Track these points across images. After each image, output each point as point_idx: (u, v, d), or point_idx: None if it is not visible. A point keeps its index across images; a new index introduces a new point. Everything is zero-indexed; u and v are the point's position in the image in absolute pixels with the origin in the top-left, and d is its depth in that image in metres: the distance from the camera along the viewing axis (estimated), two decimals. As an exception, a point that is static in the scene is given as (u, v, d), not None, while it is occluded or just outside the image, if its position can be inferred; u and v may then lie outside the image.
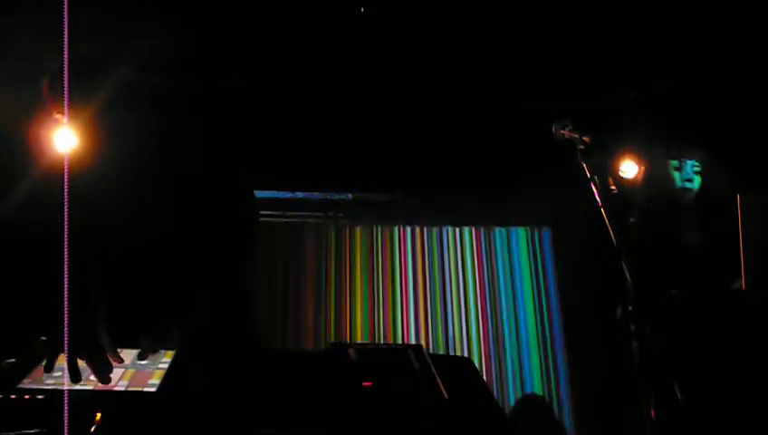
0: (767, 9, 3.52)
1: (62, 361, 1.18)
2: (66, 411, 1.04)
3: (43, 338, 1.30)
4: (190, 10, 3.57)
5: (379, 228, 5.51)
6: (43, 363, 1.19)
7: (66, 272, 1.29)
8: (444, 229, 5.58)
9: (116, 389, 1.13)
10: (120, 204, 1.66)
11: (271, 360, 1.26)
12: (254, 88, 4.16)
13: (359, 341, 5.02)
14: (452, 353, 5.18)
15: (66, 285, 1.28)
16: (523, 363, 5.34)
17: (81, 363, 1.18)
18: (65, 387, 1.11)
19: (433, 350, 5.21)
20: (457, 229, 5.59)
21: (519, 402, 4.84)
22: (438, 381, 1.15)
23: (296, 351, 4.74)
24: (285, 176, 5.06)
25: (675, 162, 2.83)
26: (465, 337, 5.35)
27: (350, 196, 5.40)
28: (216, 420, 1.07)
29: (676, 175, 2.81)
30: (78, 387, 1.12)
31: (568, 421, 4.98)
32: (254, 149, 3.99)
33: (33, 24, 3.40)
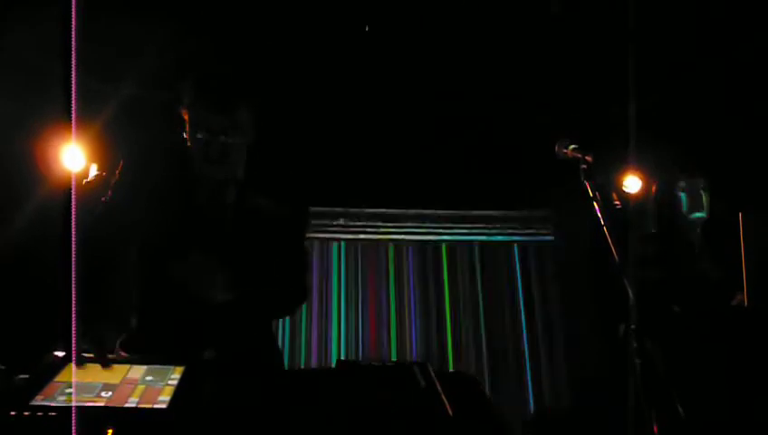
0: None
1: (72, 378, 1.19)
2: (76, 428, 1.05)
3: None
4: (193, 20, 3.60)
5: (384, 243, 5.52)
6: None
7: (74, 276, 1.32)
8: (447, 244, 5.58)
9: (126, 405, 1.14)
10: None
11: (280, 376, 1.28)
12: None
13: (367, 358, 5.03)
14: (457, 369, 5.17)
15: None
16: (527, 380, 5.33)
17: (89, 379, 1.19)
18: (74, 404, 1.12)
19: (440, 365, 5.21)
20: (460, 244, 5.60)
21: (526, 418, 4.83)
22: (443, 398, 1.16)
23: (304, 368, 4.76)
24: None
25: (682, 183, 2.81)
26: (473, 352, 5.35)
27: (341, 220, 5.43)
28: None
29: (683, 196, 2.79)
30: (89, 404, 1.13)
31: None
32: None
33: (35, 38, 3.43)
